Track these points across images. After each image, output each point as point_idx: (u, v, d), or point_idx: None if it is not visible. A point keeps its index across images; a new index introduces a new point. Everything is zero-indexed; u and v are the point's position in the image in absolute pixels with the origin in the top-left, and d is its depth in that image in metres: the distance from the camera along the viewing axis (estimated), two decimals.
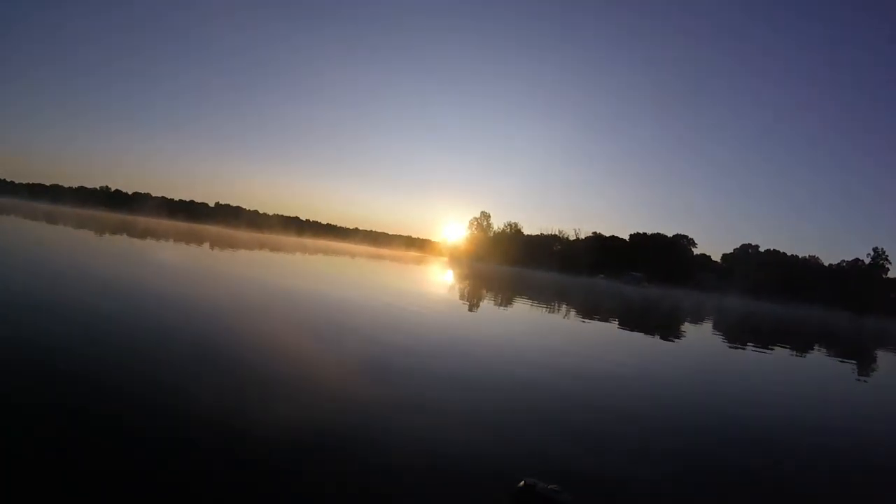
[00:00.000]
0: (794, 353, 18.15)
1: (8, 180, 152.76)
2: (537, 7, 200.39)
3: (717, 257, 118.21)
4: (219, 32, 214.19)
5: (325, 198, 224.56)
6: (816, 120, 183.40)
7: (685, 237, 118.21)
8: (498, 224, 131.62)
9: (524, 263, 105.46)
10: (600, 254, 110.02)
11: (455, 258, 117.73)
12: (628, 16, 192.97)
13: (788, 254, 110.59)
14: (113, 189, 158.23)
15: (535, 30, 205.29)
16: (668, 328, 21.84)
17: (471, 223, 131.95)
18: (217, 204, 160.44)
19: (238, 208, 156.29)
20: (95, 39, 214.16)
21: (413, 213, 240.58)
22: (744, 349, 17.30)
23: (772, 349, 18.19)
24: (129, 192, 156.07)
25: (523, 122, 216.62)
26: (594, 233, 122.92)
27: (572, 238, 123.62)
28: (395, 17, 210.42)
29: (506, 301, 23.28)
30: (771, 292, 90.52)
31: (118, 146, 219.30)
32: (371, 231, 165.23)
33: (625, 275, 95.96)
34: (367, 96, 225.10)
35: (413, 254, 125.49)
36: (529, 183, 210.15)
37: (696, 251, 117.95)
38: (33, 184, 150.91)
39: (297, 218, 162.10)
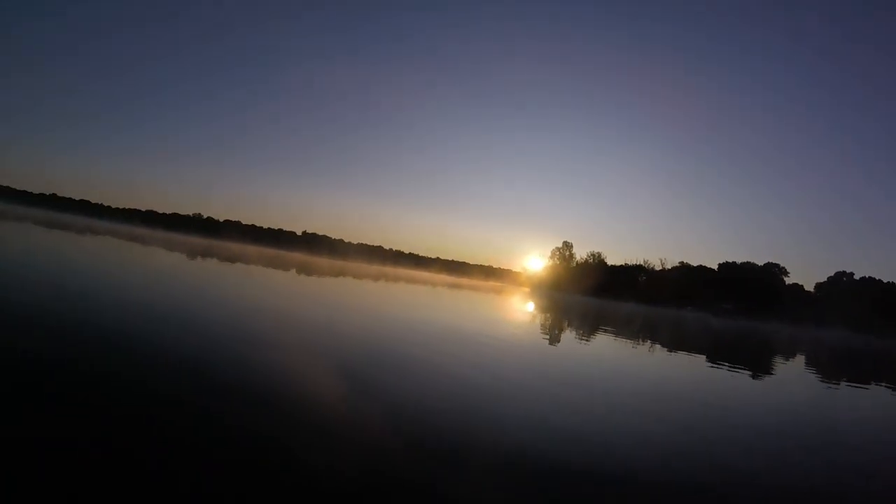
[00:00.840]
0: None
1: (106, 205, 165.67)
2: (616, 37, 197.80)
3: (809, 286, 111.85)
4: (309, 74, 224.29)
5: (408, 227, 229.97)
6: None
7: (776, 266, 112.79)
8: (581, 254, 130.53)
9: (608, 294, 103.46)
10: (688, 284, 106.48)
11: (536, 288, 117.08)
12: (720, 33, 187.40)
13: (885, 281, 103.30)
14: (205, 216, 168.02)
15: (614, 62, 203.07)
16: (762, 364, 21.31)
17: (553, 253, 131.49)
18: (304, 232, 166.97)
19: (324, 237, 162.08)
20: (190, 77, 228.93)
21: (495, 243, 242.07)
22: (837, 386, 16.77)
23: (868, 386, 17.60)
24: (220, 220, 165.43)
25: (608, 149, 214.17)
26: (681, 262, 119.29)
27: (658, 268, 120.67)
28: (474, 52, 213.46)
29: (590, 334, 23.33)
30: (867, 323, 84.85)
31: (211, 176, 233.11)
32: (452, 260, 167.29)
33: (714, 306, 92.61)
34: (450, 129, 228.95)
35: (494, 284, 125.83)
36: (614, 212, 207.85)
37: (787, 280, 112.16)
38: (129, 209, 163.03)
39: (380, 247, 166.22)
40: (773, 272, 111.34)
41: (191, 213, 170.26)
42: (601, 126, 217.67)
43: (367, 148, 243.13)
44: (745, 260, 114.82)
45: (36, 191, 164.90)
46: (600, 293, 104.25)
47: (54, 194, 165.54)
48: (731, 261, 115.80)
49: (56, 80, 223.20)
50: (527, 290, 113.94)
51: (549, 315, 33.77)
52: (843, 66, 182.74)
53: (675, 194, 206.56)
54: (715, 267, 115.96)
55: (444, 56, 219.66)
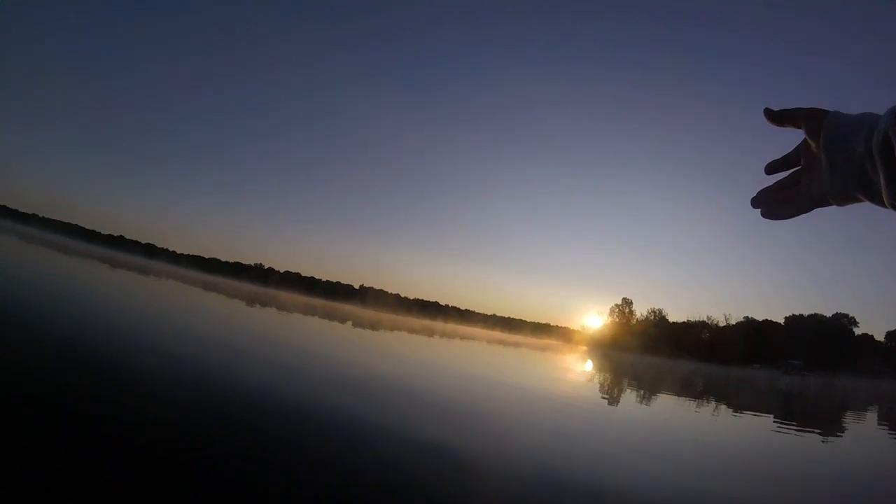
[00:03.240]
0: None
1: (170, 250, 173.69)
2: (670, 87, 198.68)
3: (880, 336, 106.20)
4: (376, 132, 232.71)
5: (464, 284, 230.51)
6: None
7: (845, 316, 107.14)
8: (641, 311, 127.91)
9: (670, 353, 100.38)
10: (754, 340, 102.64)
11: (595, 347, 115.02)
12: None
13: None
14: (266, 266, 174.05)
15: (658, 114, 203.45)
16: (834, 425, 20.65)
17: (612, 310, 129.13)
18: (361, 286, 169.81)
19: (382, 291, 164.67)
20: (247, 131, 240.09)
21: (551, 300, 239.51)
22: None
23: None
24: (281, 271, 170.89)
25: (664, 202, 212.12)
26: (746, 317, 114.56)
27: (722, 324, 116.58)
28: (529, 107, 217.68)
29: (653, 397, 23.11)
30: None
31: (273, 228, 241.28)
32: (509, 317, 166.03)
33: (781, 363, 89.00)
34: (507, 185, 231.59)
35: (551, 342, 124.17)
36: (675, 267, 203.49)
37: (857, 331, 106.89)
38: (194, 255, 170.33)
39: (436, 303, 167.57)
40: (841, 323, 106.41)
41: (252, 263, 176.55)
42: (652, 175, 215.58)
43: (426, 205, 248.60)
44: (812, 312, 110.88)
45: (104, 231, 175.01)
46: (662, 352, 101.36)
47: (122, 236, 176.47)
48: (797, 313, 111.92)
49: (126, 124, 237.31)
50: (584, 348, 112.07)
51: (606, 375, 33.44)
52: None
53: (734, 244, 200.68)
54: (781, 321, 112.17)
55: (501, 113, 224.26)
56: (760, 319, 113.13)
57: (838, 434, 17.22)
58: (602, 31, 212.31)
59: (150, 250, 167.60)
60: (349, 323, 42.40)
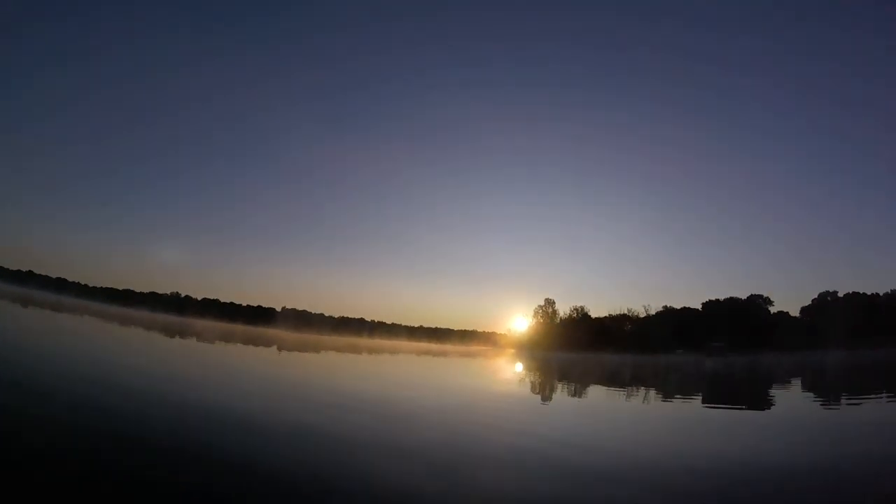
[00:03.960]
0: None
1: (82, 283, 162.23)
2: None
3: (795, 312, 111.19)
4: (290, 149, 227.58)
5: (387, 297, 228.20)
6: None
7: (760, 297, 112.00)
8: (564, 310, 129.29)
9: (595, 348, 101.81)
10: (674, 328, 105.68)
11: (521, 349, 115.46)
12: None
13: (870, 293, 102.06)
14: (183, 295, 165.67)
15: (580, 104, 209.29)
16: (761, 399, 20.36)
17: (535, 312, 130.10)
18: (283, 308, 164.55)
19: (305, 312, 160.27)
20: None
21: (475, 307, 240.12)
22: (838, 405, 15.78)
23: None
24: (198, 298, 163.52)
25: (579, 200, 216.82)
26: (665, 307, 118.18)
27: (643, 315, 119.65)
28: (449, 116, 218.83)
29: (580, 390, 22.42)
30: (860, 338, 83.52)
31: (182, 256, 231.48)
32: (436, 328, 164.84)
33: (704, 347, 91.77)
34: (422, 192, 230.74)
35: (479, 347, 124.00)
36: (592, 264, 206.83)
37: (772, 309, 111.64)
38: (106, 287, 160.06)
39: (361, 318, 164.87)
40: (757, 303, 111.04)
41: (168, 292, 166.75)
42: (568, 177, 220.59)
43: (344, 219, 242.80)
44: (727, 296, 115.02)
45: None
46: (587, 347, 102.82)
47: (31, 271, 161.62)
48: (713, 298, 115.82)
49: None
50: (512, 351, 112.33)
51: (533, 375, 32.78)
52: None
53: (650, 238, 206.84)
54: (699, 307, 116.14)
55: (422, 123, 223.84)
56: (679, 307, 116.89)
57: (767, 407, 16.80)
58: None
59: (60, 284, 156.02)
60: (274, 347, 39.83)
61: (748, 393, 23.29)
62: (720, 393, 23.07)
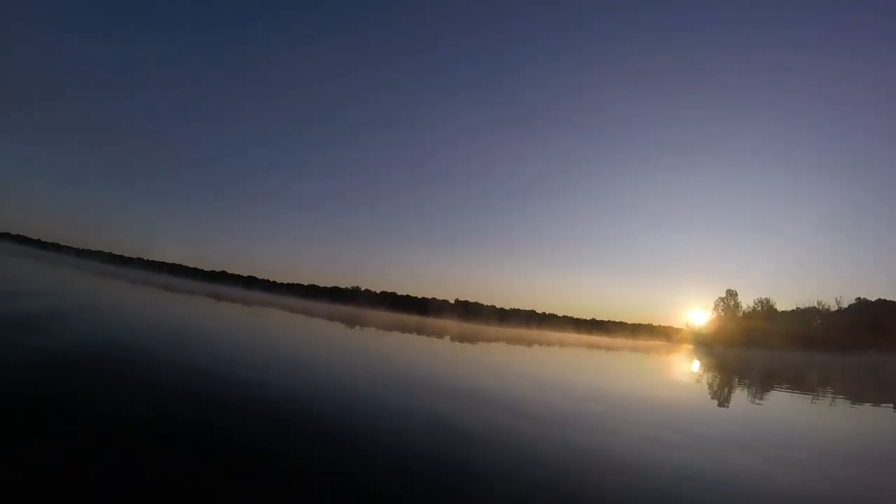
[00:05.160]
0: None
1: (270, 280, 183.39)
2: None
3: None
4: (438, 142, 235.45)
5: (559, 289, 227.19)
6: None
7: None
8: (747, 302, 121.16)
9: (780, 344, 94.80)
10: (868, 323, 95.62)
11: (700, 344, 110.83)
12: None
13: None
14: (363, 289, 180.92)
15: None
16: None
17: (716, 304, 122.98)
18: (457, 300, 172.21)
19: (478, 304, 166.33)
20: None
21: (651, 300, 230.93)
22: None
23: None
24: (377, 291, 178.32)
25: (769, 189, 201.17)
26: (858, 298, 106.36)
27: (834, 308, 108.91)
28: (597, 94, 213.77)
29: (762, 393, 22.45)
30: None
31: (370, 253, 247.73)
32: (607, 321, 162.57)
33: None
34: (599, 185, 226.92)
35: (652, 342, 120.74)
36: (780, 253, 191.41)
37: None
38: (293, 283, 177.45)
39: (532, 311, 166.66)
40: None
41: (349, 286, 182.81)
42: (754, 160, 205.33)
43: (501, 210, 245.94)
44: None
45: (207, 268, 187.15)
46: (771, 344, 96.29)
47: (224, 271, 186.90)
48: None
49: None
50: (688, 346, 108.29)
51: (714, 374, 32.83)
52: None
53: (849, 220, 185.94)
54: None
55: (566, 106, 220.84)
56: (874, 299, 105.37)
57: None
58: None
59: (250, 282, 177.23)
60: (448, 338, 42.95)
61: None
62: None
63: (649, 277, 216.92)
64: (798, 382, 27.41)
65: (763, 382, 26.90)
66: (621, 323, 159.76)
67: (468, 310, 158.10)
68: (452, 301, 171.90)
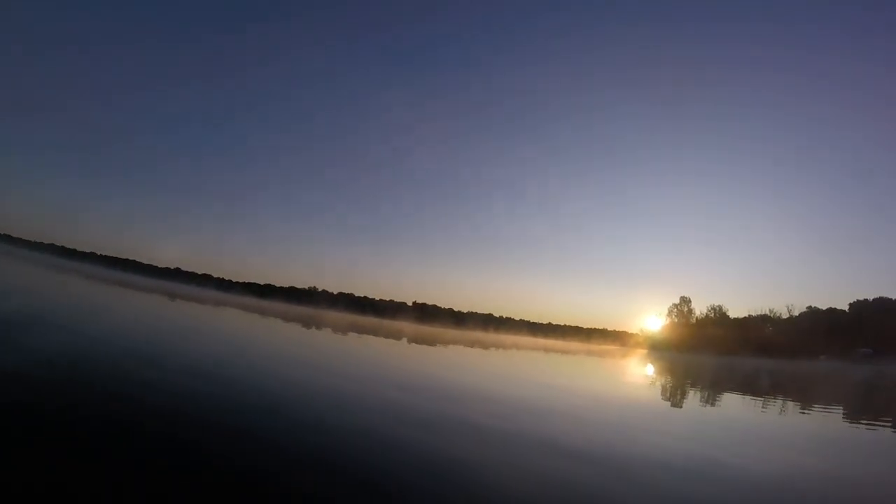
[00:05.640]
0: None
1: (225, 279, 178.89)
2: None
3: None
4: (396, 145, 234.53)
5: (516, 295, 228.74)
6: None
7: None
8: (700, 309, 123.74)
9: (732, 350, 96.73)
10: (818, 331, 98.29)
11: (654, 349, 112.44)
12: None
13: None
14: (320, 289, 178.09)
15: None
16: None
17: (670, 310, 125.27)
18: (414, 303, 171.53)
19: (435, 307, 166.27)
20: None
21: (606, 305, 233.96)
22: None
23: None
24: (335, 293, 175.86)
25: (723, 195, 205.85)
26: (808, 307, 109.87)
27: (785, 316, 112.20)
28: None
29: (714, 397, 22.48)
30: None
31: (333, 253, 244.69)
32: (563, 325, 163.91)
33: (850, 353, 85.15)
34: (556, 194, 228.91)
35: (607, 347, 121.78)
36: (734, 260, 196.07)
37: None
38: (249, 283, 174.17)
39: (490, 314, 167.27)
40: None
41: (307, 287, 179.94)
42: (708, 167, 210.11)
43: (461, 215, 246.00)
44: (877, 296, 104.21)
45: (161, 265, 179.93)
46: (724, 349, 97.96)
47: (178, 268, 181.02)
48: (862, 298, 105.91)
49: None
50: (642, 351, 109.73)
51: (668, 378, 32.94)
52: None
53: (794, 231, 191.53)
54: (846, 307, 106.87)
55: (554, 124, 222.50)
56: (824, 308, 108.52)
57: None
58: None
59: (204, 280, 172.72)
60: (404, 339, 42.53)
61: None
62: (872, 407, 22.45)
63: (606, 284, 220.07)
64: (749, 386, 27.58)
65: (714, 386, 27.06)
66: (577, 327, 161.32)
67: (426, 312, 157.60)
68: (410, 303, 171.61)
